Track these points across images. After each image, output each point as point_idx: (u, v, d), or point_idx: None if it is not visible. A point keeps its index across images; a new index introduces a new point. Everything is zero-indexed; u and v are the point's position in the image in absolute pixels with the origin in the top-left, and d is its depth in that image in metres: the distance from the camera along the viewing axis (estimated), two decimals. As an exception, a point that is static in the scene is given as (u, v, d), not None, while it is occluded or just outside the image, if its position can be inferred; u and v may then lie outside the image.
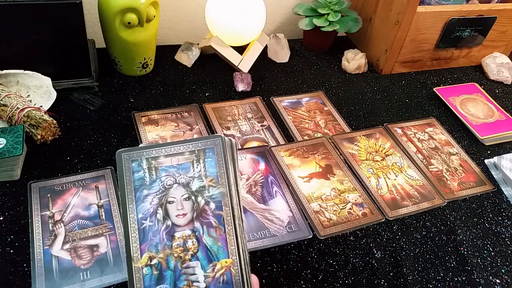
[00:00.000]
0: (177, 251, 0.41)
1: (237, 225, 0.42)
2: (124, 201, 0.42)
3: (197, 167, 0.43)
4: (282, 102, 0.92)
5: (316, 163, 0.77)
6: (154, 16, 0.84)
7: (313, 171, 0.76)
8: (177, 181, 0.43)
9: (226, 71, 0.98)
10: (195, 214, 0.42)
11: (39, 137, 0.70)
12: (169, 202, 0.42)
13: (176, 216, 0.42)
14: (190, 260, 0.41)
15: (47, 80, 0.78)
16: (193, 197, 0.43)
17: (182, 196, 0.43)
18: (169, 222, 0.42)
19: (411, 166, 0.81)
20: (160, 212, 0.42)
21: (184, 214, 0.42)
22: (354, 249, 0.65)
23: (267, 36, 1.04)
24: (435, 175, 0.80)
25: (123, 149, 0.43)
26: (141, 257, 0.41)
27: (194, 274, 0.41)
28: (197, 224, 0.42)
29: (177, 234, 0.42)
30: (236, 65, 0.97)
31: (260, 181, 0.72)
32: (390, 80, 1.06)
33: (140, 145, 0.45)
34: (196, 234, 0.42)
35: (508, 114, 0.97)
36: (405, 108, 0.97)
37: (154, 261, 0.41)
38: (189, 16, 1.11)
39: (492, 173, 0.83)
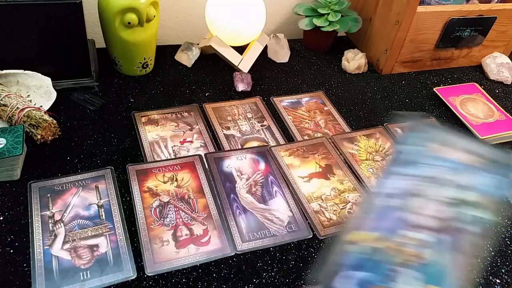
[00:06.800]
0: (397, 247, 0.34)
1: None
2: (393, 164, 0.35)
3: (479, 177, 0.35)
4: (282, 102, 0.92)
5: (316, 163, 0.77)
6: (154, 16, 0.84)
7: (313, 171, 0.76)
8: (446, 179, 0.35)
9: (226, 71, 0.98)
10: (442, 224, 0.34)
11: (39, 137, 0.70)
12: (420, 195, 0.35)
13: (420, 213, 0.34)
14: (404, 264, 0.33)
15: (47, 80, 0.78)
16: (453, 207, 0.34)
17: (441, 196, 0.35)
18: (409, 215, 0.34)
19: (411, 166, 0.81)
20: (405, 199, 0.34)
21: (431, 216, 0.34)
22: (354, 249, 0.65)
23: (267, 36, 1.04)
24: (435, 175, 0.80)
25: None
26: (363, 233, 0.34)
27: (394, 281, 0.34)
28: (439, 236, 0.34)
29: (409, 232, 0.34)
30: (236, 65, 0.97)
31: (260, 181, 0.72)
32: (390, 80, 1.06)
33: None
34: (431, 245, 0.33)
35: (508, 114, 0.97)
36: (405, 108, 0.97)
37: (371, 244, 0.34)
38: (189, 16, 1.11)
39: (492, 173, 0.83)
